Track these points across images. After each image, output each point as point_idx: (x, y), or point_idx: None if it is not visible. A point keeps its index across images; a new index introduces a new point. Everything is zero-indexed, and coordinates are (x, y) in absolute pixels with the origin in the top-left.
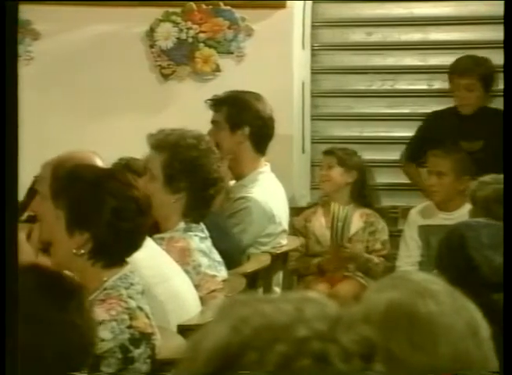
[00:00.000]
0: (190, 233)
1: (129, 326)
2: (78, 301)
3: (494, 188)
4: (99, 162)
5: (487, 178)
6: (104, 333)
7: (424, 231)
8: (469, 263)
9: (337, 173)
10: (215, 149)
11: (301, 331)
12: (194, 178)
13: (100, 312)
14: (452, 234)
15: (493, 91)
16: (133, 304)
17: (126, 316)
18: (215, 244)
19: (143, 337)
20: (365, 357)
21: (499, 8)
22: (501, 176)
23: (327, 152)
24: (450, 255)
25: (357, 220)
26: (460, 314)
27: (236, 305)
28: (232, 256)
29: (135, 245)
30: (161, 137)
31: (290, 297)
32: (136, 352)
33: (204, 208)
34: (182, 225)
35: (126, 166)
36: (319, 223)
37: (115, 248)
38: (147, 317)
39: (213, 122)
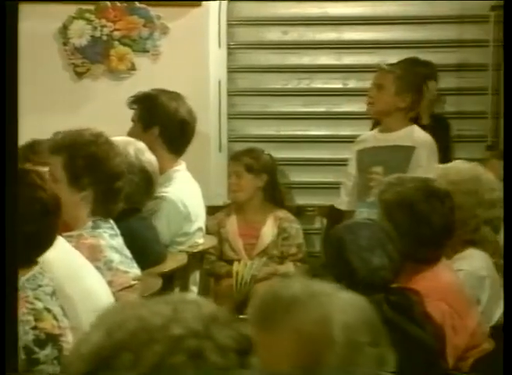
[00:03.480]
0: (99, 230)
1: (34, 328)
2: None
3: (396, 191)
4: None
5: (392, 179)
6: None
7: (362, 155)
8: (347, 266)
9: (247, 181)
10: (117, 145)
11: (176, 330)
12: (97, 173)
13: None
14: (332, 238)
15: None
16: (39, 305)
17: (30, 318)
18: (145, 242)
19: (49, 339)
20: (241, 351)
21: (411, 8)
22: (407, 177)
23: (233, 159)
24: (331, 258)
25: (271, 226)
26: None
27: (113, 311)
28: (158, 253)
29: (41, 247)
30: (57, 139)
31: (169, 299)
32: (42, 354)
33: (112, 203)
34: (90, 223)
35: (30, 147)
36: (233, 230)
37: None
38: (55, 318)
39: (132, 120)
